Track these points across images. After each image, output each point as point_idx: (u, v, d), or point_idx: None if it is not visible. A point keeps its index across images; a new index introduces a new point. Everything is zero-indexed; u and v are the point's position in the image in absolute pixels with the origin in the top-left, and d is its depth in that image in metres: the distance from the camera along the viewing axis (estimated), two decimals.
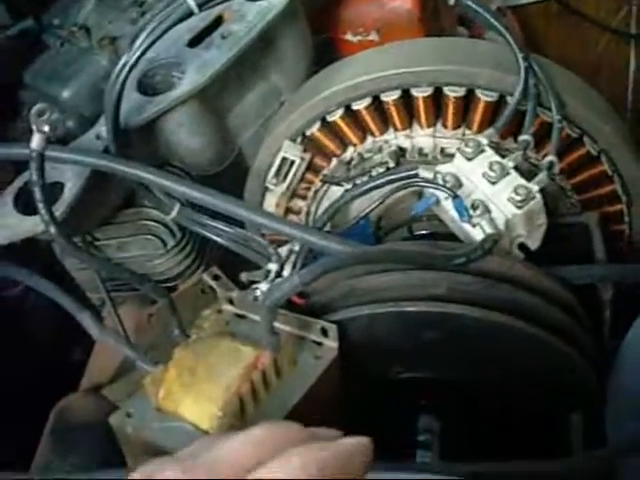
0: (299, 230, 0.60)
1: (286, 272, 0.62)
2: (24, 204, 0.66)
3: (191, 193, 0.62)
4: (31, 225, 0.64)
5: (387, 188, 0.62)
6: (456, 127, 0.66)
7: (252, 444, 0.36)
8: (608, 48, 1.00)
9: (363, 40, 0.79)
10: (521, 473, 0.52)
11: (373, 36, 0.78)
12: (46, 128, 0.55)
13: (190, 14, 0.62)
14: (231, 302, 0.60)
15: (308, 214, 0.72)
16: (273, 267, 0.61)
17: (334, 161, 0.69)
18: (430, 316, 0.55)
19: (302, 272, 0.52)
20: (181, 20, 0.62)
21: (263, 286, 0.60)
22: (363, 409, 0.59)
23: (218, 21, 0.70)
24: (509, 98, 0.63)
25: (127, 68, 0.62)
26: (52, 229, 0.58)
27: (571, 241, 0.65)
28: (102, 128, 0.66)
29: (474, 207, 0.58)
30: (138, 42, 0.62)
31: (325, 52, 0.80)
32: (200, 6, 0.61)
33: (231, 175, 0.74)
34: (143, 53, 0.62)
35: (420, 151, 0.67)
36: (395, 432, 0.60)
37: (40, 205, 0.57)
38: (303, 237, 0.59)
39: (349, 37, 0.79)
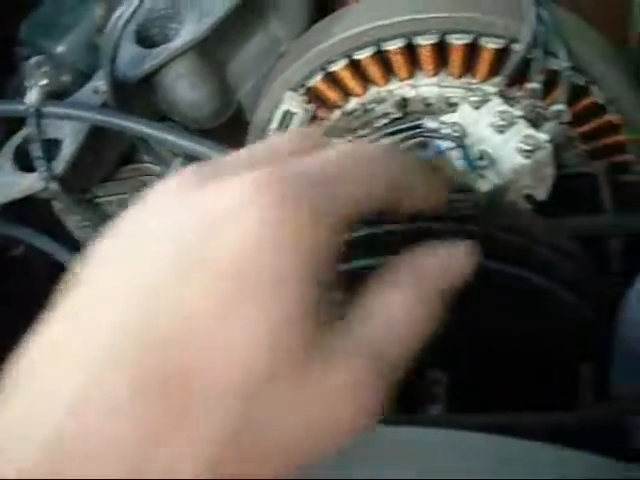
0: None
1: None
2: (22, 161, 0.65)
3: (193, 147, 0.61)
4: (30, 182, 0.63)
5: (391, 139, 0.61)
6: (461, 75, 0.64)
7: None
8: None
9: None
10: (532, 425, 0.52)
11: None
12: (44, 81, 0.54)
13: None
14: None
15: None
16: None
17: (336, 112, 0.68)
18: None
19: None
20: None
21: None
22: None
23: None
24: (516, 45, 0.62)
25: (122, 21, 0.60)
26: (52, 185, 0.57)
27: (579, 192, 0.65)
28: (100, 82, 0.64)
29: (481, 158, 0.57)
30: None
31: (327, 4, 0.78)
32: None
33: (230, 129, 0.73)
34: (139, 5, 0.60)
35: (425, 101, 0.66)
36: (404, 390, 0.60)
37: (39, 162, 0.56)
38: None
39: None
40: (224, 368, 0.26)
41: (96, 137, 0.65)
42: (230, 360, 0.26)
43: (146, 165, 0.71)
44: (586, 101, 0.64)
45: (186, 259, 0.27)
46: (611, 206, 0.62)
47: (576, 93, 0.64)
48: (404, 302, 0.31)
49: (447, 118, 0.59)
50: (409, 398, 0.59)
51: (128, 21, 0.61)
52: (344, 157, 0.31)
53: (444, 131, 0.58)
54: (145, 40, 0.67)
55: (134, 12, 0.60)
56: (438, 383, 0.60)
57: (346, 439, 0.29)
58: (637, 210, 0.68)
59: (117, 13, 0.62)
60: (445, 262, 0.34)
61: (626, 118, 0.64)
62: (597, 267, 0.60)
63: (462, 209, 0.54)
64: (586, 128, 0.66)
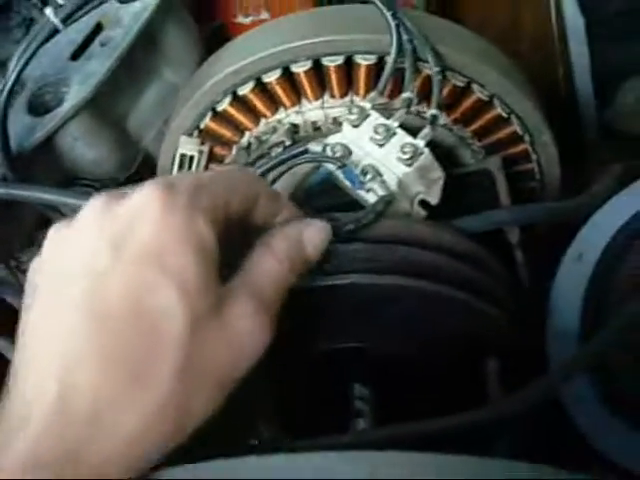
0: None
1: None
2: None
3: None
4: None
5: (299, 169, 0.62)
6: (343, 95, 0.66)
7: None
8: None
9: (255, 20, 0.78)
10: (447, 430, 0.52)
11: (264, 15, 0.78)
12: None
13: (56, 31, 0.62)
14: None
15: None
16: None
17: (234, 148, 0.69)
18: (324, 289, 0.55)
19: None
20: (49, 38, 0.62)
21: None
22: (293, 387, 0.60)
23: (97, 29, 0.70)
24: (387, 58, 0.63)
25: (5, 94, 0.62)
26: None
27: (477, 189, 0.65)
28: None
29: (364, 173, 0.58)
30: (11, 66, 0.62)
31: (221, 38, 0.79)
32: (64, 21, 0.61)
33: (145, 176, 0.74)
34: (18, 76, 0.62)
35: (313, 124, 0.67)
36: (329, 407, 0.61)
37: None
38: None
39: (241, 19, 0.79)
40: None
41: (5, 208, 0.67)
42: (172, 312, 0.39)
43: None
44: (470, 100, 0.65)
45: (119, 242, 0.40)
46: (508, 200, 0.63)
47: (459, 93, 0.65)
48: (273, 260, 0.45)
49: (330, 139, 0.60)
50: (335, 416, 0.61)
51: (9, 94, 0.62)
52: (212, 174, 0.51)
53: (328, 153, 0.60)
54: (39, 108, 0.68)
55: (13, 85, 0.62)
56: (363, 399, 0.61)
57: (259, 350, 0.42)
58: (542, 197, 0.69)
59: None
60: (305, 234, 0.48)
61: (513, 109, 0.65)
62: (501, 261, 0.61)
63: (343, 227, 0.56)
64: (477, 125, 0.67)
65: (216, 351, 0.40)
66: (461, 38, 0.65)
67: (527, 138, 0.67)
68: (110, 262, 0.39)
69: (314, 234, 0.48)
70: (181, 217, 0.40)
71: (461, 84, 0.64)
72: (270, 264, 0.44)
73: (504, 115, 0.66)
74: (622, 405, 0.61)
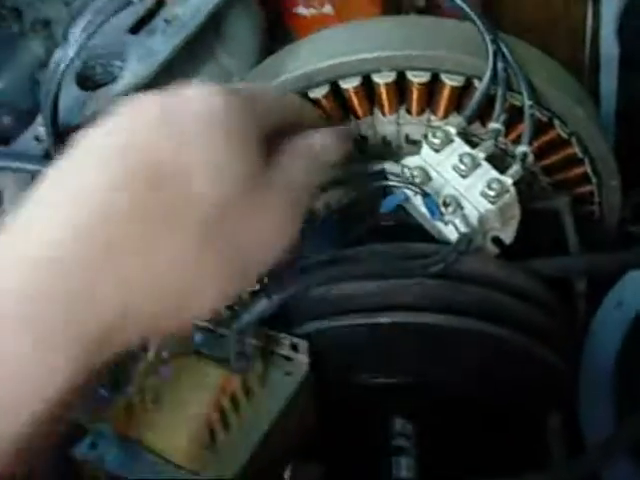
0: None
1: None
2: None
3: None
4: None
5: (354, 184, 0.59)
6: (420, 113, 0.62)
7: None
8: (564, 4, 0.96)
9: (316, 14, 0.74)
10: None
11: (327, 9, 0.74)
12: None
13: (129, 2, 0.57)
14: None
15: None
16: None
17: None
18: (399, 326, 0.53)
19: (274, 294, 0.49)
20: (119, 10, 0.57)
21: None
22: (337, 420, 0.57)
23: (159, 4, 0.65)
24: (476, 82, 0.60)
25: (62, 66, 0.57)
26: None
27: (543, 227, 0.63)
28: (40, 128, 0.61)
29: (446, 204, 0.55)
30: (73, 38, 0.56)
31: (278, 27, 0.75)
32: None
33: None
34: (79, 50, 0.57)
35: (384, 139, 0.63)
36: (371, 440, 0.58)
37: None
38: None
39: (301, 10, 0.74)
40: (200, 185, 0.39)
41: None
42: (204, 180, 0.39)
43: None
44: (549, 136, 0.62)
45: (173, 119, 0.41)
46: (577, 246, 0.61)
47: (539, 127, 0.62)
48: (305, 159, 0.47)
49: (409, 162, 0.57)
50: (375, 449, 0.58)
51: (68, 65, 0.57)
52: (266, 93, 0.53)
53: (406, 176, 0.56)
54: (87, 80, 0.63)
55: (75, 55, 0.56)
56: (405, 435, 0.58)
57: (286, 243, 0.43)
58: (600, 249, 0.67)
59: (57, 55, 0.58)
60: (327, 141, 0.50)
61: (588, 150, 0.63)
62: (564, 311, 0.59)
63: (430, 266, 0.53)
64: (549, 161, 0.64)
65: (245, 236, 0.41)
66: (552, 71, 0.63)
67: (595, 180, 0.65)
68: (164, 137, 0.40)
69: (336, 140, 0.52)
70: (237, 117, 0.41)
71: (544, 118, 0.61)
72: (302, 162, 0.46)
73: (579, 155, 0.63)
74: None
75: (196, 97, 0.41)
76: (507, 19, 1.00)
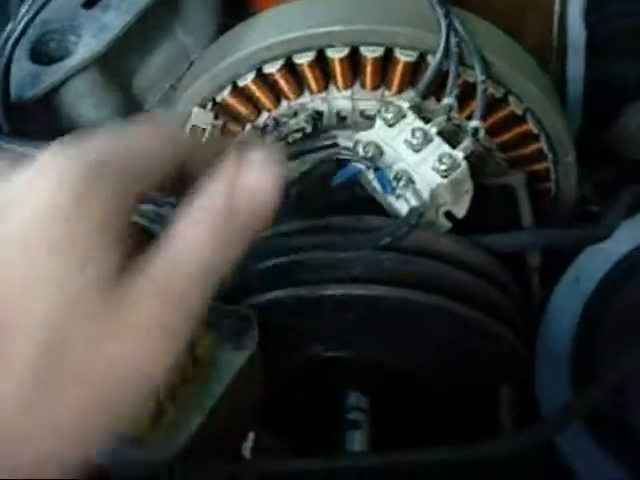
0: None
1: None
2: None
3: None
4: None
5: (308, 158, 0.58)
6: (375, 88, 0.62)
7: None
8: None
9: None
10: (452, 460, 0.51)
11: None
12: None
13: None
14: None
15: None
16: None
17: (248, 127, 0.65)
18: (349, 298, 0.53)
19: None
20: None
21: None
22: (288, 394, 0.57)
23: None
24: (429, 57, 0.60)
25: (13, 39, 0.56)
26: None
27: (497, 203, 0.63)
28: None
29: (397, 178, 0.55)
30: (23, 9, 0.56)
31: (236, 3, 0.75)
32: None
33: None
34: (30, 21, 0.56)
35: (338, 114, 0.63)
36: (323, 415, 0.59)
37: None
38: None
39: None
40: (31, 305, 0.28)
41: None
42: (36, 298, 0.28)
43: None
44: (504, 112, 0.63)
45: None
46: (531, 221, 0.61)
47: (493, 104, 0.62)
48: (194, 236, 0.30)
49: (362, 136, 0.57)
50: (329, 425, 0.58)
51: (17, 40, 0.56)
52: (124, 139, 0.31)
53: (359, 150, 0.56)
54: (42, 55, 0.63)
55: (23, 30, 0.56)
56: (360, 409, 0.58)
57: (148, 385, 0.29)
58: (553, 224, 0.68)
59: (7, 29, 0.57)
60: (243, 181, 0.31)
61: (544, 127, 0.63)
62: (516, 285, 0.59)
63: (380, 239, 0.53)
64: (504, 138, 0.64)
65: (101, 367, 0.28)
66: (507, 47, 0.63)
67: (550, 157, 0.65)
68: None
69: (258, 179, 0.31)
70: (72, 198, 0.28)
71: (498, 94, 0.61)
72: (189, 244, 0.30)
73: (534, 131, 0.63)
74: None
75: (38, 185, 0.29)
76: (475, 4, 1.00)
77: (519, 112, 0.62)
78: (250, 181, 0.31)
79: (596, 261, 0.70)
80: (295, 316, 0.54)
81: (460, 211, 0.58)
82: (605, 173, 0.83)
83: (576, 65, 0.96)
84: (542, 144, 0.64)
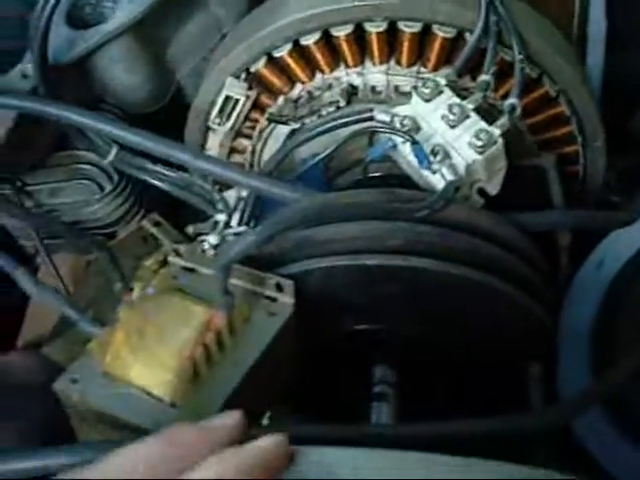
0: (248, 177, 0.56)
1: (234, 222, 0.58)
2: None
3: (129, 137, 0.57)
4: None
5: (341, 131, 0.58)
6: (411, 64, 0.62)
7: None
8: None
9: None
10: (482, 432, 0.51)
11: None
12: None
13: None
14: (178, 254, 0.56)
15: (253, 153, 0.68)
16: (221, 218, 0.58)
17: (281, 99, 0.65)
18: (387, 269, 0.53)
19: (258, 229, 0.49)
20: None
21: (212, 239, 0.56)
22: (320, 363, 0.57)
23: None
24: (467, 35, 0.60)
25: (50, 3, 0.56)
26: None
27: (528, 184, 0.64)
28: (28, 65, 0.60)
29: (434, 153, 0.55)
30: None
31: None
32: None
33: (170, 112, 0.69)
34: None
35: (373, 89, 0.63)
36: (352, 385, 0.59)
37: None
38: (252, 184, 0.56)
39: None
40: None
41: (26, 123, 0.61)
42: None
43: (80, 152, 0.67)
44: (538, 93, 0.63)
45: None
46: (561, 201, 0.61)
47: (528, 84, 0.62)
48: None
49: (399, 110, 0.57)
50: (356, 397, 0.59)
51: (56, 3, 0.56)
52: None
53: (396, 124, 0.56)
54: (77, 19, 0.63)
55: None
56: (387, 382, 0.59)
57: None
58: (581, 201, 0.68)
59: None
60: None
61: (576, 109, 0.63)
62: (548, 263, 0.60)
63: (416, 211, 0.53)
64: (536, 119, 0.64)
65: None
66: (543, 28, 0.63)
67: (580, 140, 0.65)
68: None
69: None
70: None
71: (534, 75, 0.62)
72: None
73: (566, 113, 0.64)
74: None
75: None
76: None
77: (553, 93, 0.63)
78: None
79: (620, 245, 0.70)
80: (327, 287, 0.54)
81: (493, 188, 0.58)
82: (629, 160, 0.83)
83: (596, 54, 0.96)
84: (573, 127, 0.64)
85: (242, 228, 0.57)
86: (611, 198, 0.78)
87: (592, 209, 0.68)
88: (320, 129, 0.58)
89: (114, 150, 0.62)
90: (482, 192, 0.59)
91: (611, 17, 0.95)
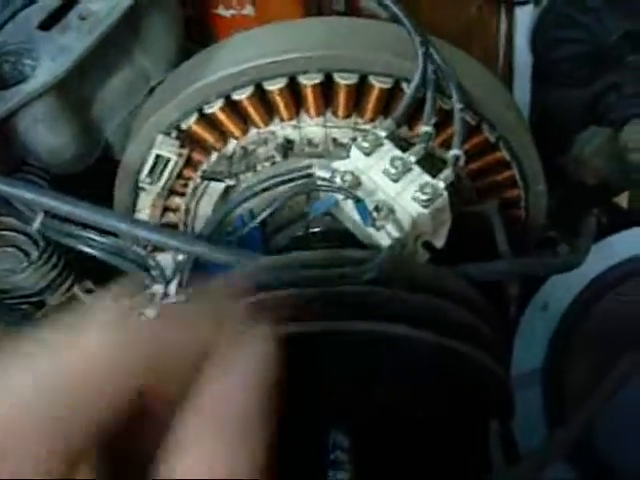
0: (191, 244, 0.53)
1: (172, 289, 0.56)
2: None
3: (55, 205, 0.54)
4: None
5: (280, 189, 0.56)
6: (348, 116, 0.60)
7: None
8: (478, 15, 0.97)
9: (237, 15, 0.71)
10: None
11: (248, 10, 0.71)
12: None
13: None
14: None
15: (187, 212, 0.65)
16: (157, 288, 0.55)
17: (214, 155, 0.62)
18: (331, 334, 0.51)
19: None
20: (25, 5, 0.53)
21: (150, 312, 0.53)
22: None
23: (72, 0, 0.61)
24: (404, 84, 0.58)
25: None
26: None
27: (471, 231, 0.62)
28: None
29: (377, 209, 0.54)
30: None
31: (197, 29, 0.72)
32: None
33: (98, 171, 0.66)
34: None
35: (310, 142, 0.61)
36: (305, 454, 0.56)
37: None
38: (194, 250, 0.53)
39: (221, 11, 0.71)
40: None
41: None
42: None
43: (3, 218, 0.63)
44: (477, 139, 0.62)
45: None
46: (507, 249, 0.60)
47: (467, 131, 0.61)
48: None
49: (339, 165, 0.55)
50: (310, 465, 0.56)
51: None
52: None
53: (337, 180, 0.54)
54: None
55: None
56: (341, 448, 0.56)
57: None
58: (530, 253, 0.67)
59: None
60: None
61: (516, 154, 0.63)
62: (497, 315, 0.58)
63: (365, 273, 0.51)
64: (476, 165, 0.63)
65: None
66: (478, 74, 0.62)
67: (521, 184, 0.65)
68: None
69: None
70: None
71: (473, 122, 0.61)
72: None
73: (507, 159, 0.63)
74: None
75: None
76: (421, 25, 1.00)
77: (492, 140, 0.62)
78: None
79: (563, 287, 0.70)
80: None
81: (439, 241, 0.57)
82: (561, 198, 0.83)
83: (523, 91, 0.97)
84: (514, 171, 0.64)
85: (181, 296, 0.54)
86: (550, 234, 0.78)
87: (533, 250, 0.68)
88: (258, 188, 0.56)
89: (39, 217, 0.59)
90: (428, 245, 0.57)
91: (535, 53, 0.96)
